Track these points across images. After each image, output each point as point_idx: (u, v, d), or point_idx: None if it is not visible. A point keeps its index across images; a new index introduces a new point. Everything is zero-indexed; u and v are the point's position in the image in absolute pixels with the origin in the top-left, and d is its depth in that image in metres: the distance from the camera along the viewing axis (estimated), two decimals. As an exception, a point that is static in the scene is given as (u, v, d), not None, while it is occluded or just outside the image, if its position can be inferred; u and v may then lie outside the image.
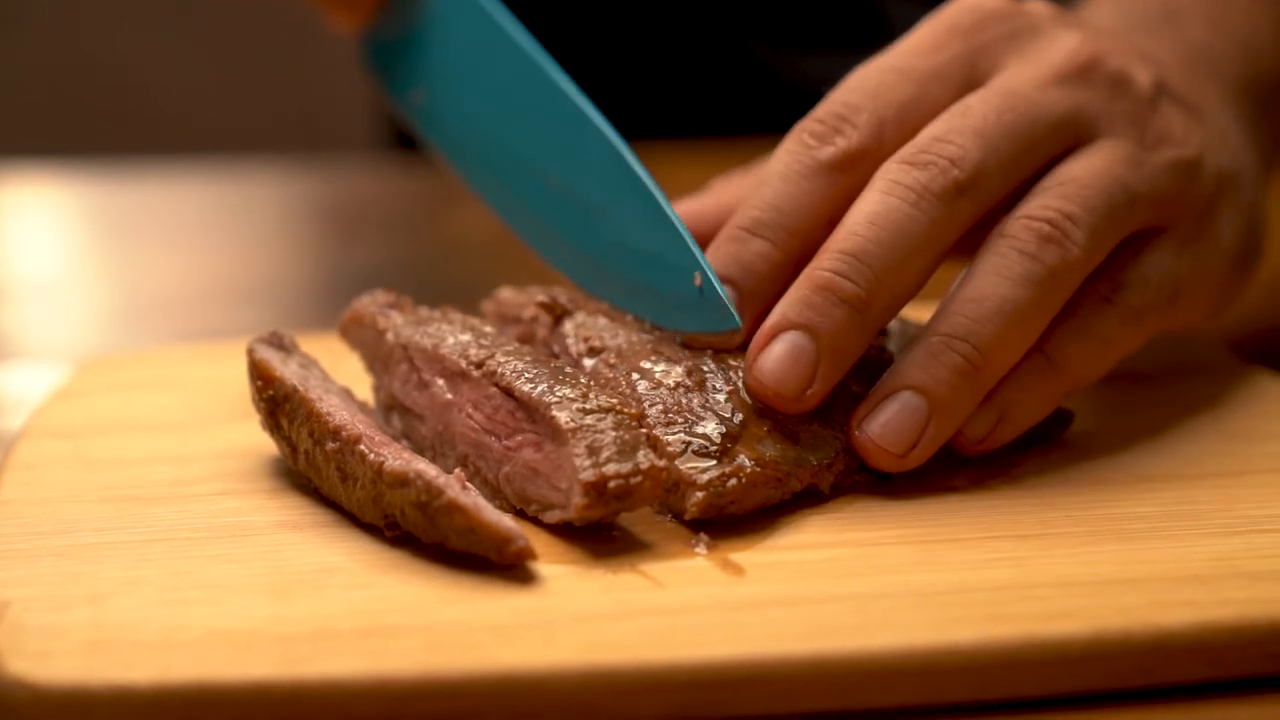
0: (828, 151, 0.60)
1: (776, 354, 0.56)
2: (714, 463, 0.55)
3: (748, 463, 0.55)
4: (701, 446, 0.55)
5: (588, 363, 0.59)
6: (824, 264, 0.57)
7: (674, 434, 0.55)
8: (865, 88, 0.62)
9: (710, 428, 0.56)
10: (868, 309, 0.57)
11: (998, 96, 0.60)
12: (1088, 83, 0.61)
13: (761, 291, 0.59)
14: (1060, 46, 0.62)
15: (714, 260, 0.60)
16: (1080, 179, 0.59)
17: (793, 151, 0.61)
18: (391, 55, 0.77)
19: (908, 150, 0.59)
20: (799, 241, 0.60)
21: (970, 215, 0.59)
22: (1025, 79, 0.61)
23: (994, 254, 0.58)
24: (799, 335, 0.57)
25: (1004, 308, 0.57)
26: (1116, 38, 0.65)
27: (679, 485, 0.54)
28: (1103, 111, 0.61)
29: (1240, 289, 0.68)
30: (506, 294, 0.65)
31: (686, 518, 0.54)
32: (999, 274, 0.57)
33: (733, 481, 0.54)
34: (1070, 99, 0.61)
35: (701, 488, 0.54)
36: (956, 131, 0.59)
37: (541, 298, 0.63)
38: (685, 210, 0.65)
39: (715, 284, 0.58)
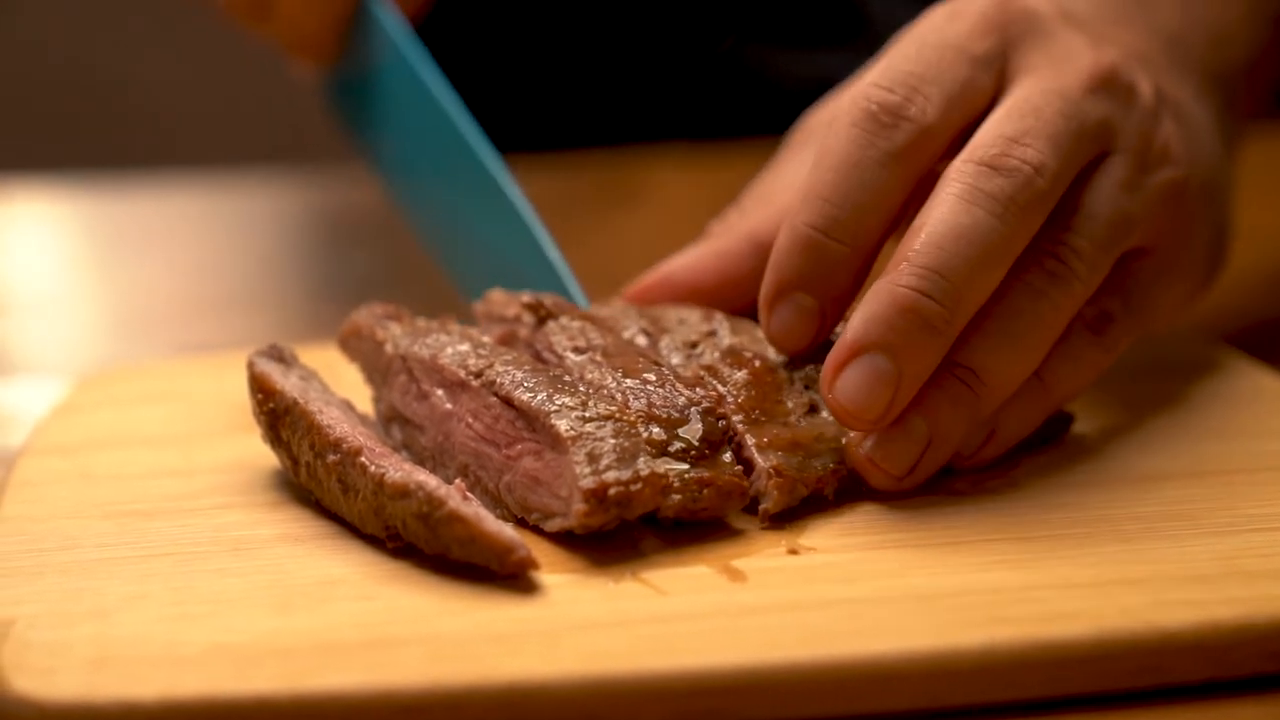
0: (901, 137, 0.57)
1: (857, 377, 0.55)
2: (688, 467, 0.54)
3: (727, 472, 0.54)
4: (680, 450, 0.55)
5: (573, 359, 0.59)
6: (906, 280, 0.55)
7: (654, 431, 0.55)
8: (928, 59, 0.59)
9: (691, 430, 0.55)
10: (949, 328, 0.55)
11: (1058, 98, 0.58)
12: (1110, 93, 0.60)
13: (843, 300, 0.58)
14: (1083, 56, 0.60)
15: (789, 268, 0.57)
16: (1085, 208, 0.58)
17: (867, 131, 0.57)
18: (347, 101, 0.85)
19: (983, 150, 0.56)
20: (875, 240, 0.58)
21: (1037, 228, 0.57)
22: (1065, 84, 0.59)
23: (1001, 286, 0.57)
24: (880, 358, 0.54)
25: (1005, 341, 0.57)
26: (1110, 40, 0.64)
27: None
28: (1121, 124, 0.60)
29: (1205, 295, 0.68)
30: (496, 294, 0.65)
31: (659, 516, 0.54)
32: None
33: (706, 490, 0.54)
34: (1101, 109, 0.59)
35: (678, 490, 0.54)
36: (1032, 135, 0.57)
37: (527, 298, 0.63)
38: (687, 262, 0.63)
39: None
